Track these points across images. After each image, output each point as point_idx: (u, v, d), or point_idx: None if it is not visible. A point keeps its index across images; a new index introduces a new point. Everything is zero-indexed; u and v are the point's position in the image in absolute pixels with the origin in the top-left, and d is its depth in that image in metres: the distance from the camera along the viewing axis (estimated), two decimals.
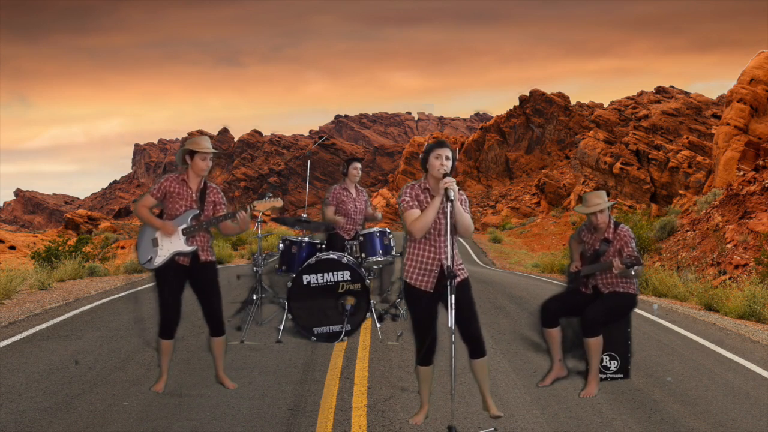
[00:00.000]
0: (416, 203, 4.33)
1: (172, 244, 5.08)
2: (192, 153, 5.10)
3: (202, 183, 5.22)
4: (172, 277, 5.09)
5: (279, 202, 5.21)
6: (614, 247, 5.43)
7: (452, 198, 4.14)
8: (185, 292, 5.17)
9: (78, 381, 5.41)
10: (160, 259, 5.06)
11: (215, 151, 5.20)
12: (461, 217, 4.26)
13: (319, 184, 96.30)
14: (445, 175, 4.23)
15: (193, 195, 5.17)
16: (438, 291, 4.37)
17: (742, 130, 37.50)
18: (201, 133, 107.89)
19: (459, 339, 4.39)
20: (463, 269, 4.45)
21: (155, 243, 5.08)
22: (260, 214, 7.99)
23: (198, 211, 5.14)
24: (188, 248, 5.08)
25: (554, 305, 5.63)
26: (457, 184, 4.26)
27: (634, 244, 5.44)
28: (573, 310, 5.56)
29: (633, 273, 5.29)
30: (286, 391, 5.20)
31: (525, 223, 55.04)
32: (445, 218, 4.26)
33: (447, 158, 4.30)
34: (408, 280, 4.43)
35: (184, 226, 5.08)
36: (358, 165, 7.77)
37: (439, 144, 4.38)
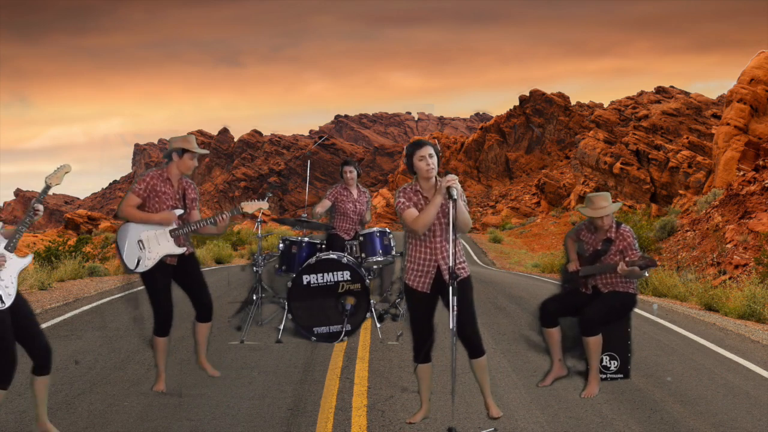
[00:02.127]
0: (412, 203, 4.33)
1: (160, 247, 5.05)
2: (182, 151, 5.11)
3: (182, 180, 5.24)
4: (161, 277, 5.09)
5: (264, 205, 5.31)
6: (616, 247, 5.40)
7: (455, 197, 4.13)
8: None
9: (78, 381, 5.41)
10: (150, 262, 5.03)
11: (205, 152, 5.27)
12: (462, 215, 4.24)
13: (319, 184, 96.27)
14: (447, 173, 4.22)
15: (176, 194, 5.17)
16: (435, 291, 4.39)
17: (742, 130, 37.49)
18: (201, 133, 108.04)
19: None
20: (463, 268, 4.41)
21: (142, 246, 5.03)
22: (260, 214, 8.02)
23: (183, 211, 5.15)
24: (179, 250, 5.10)
25: (553, 305, 5.63)
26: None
27: (636, 245, 5.42)
28: (572, 309, 5.56)
29: (647, 274, 5.29)
30: (286, 391, 5.20)
31: (525, 223, 55.05)
32: (445, 218, 4.23)
33: (431, 156, 4.30)
34: (407, 281, 4.45)
35: (171, 227, 5.09)
36: (350, 167, 7.69)
37: (418, 144, 4.35)
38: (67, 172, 4.25)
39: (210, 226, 5.15)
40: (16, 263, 4.03)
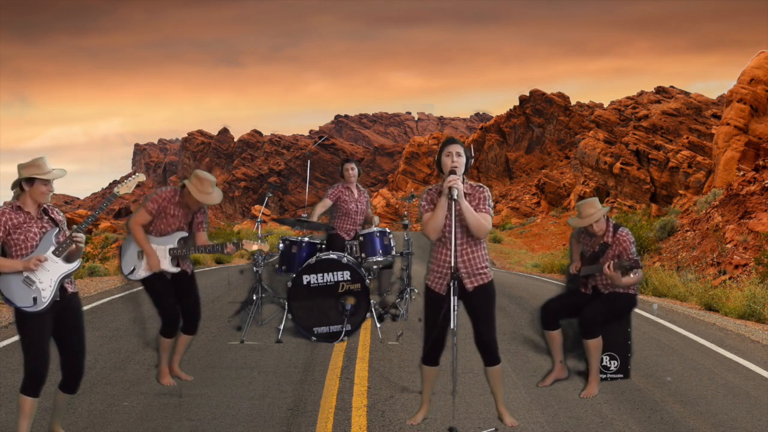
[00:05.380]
0: (432, 206, 4.28)
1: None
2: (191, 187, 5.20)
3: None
4: (161, 284, 5.21)
5: (265, 246, 5.44)
6: (612, 252, 5.36)
7: (455, 197, 4.10)
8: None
9: None
10: (143, 273, 5.16)
11: (207, 203, 5.22)
12: (469, 216, 4.16)
13: (319, 184, 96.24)
14: (450, 173, 4.18)
15: (186, 217, 5.27)
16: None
17: (742, 130, 37.48)
18: (201, 133, 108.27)
19: (461, 340, 4.38)
20: (483, 273, 4.35)
21: (140, 256, 5.17)
22: (260, 214, 8.02)
23: (187, 234, 5.25)
24: (173, 269, 5.20)
25: (554, 306, 5.61)
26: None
27: (634, 249, 5.35)
28: (573, 311, 5.54)
29: (632, 276, 5.28)
30: (286, 391, 5.20)
31: (525, 223, 55.00)
32: (452, 219, 4.17)
33: (458, 154, 4.25)
34: (427, 282, 4.41)
35: (171, 246, 5.16)
36: (351, 164, 7.67)
37: (449, 141, 4.34)
38: (140, 182, 4.33)
39: (207, 252, 5.29)
40: (60, 267, 3.99)
